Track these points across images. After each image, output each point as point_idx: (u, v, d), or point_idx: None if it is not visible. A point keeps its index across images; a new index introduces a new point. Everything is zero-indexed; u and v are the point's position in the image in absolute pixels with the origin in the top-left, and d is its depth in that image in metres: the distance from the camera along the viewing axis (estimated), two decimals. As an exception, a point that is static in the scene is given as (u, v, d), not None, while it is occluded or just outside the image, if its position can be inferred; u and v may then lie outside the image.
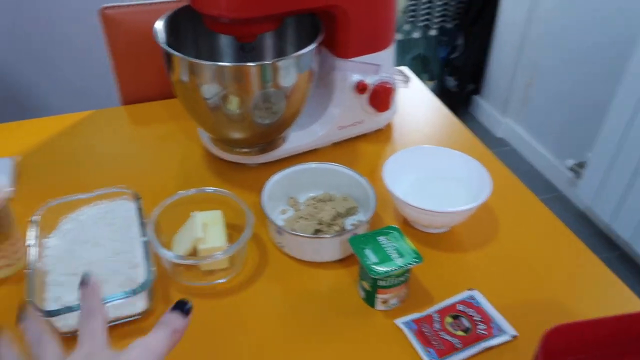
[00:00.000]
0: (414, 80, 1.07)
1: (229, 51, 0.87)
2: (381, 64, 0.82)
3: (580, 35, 1.83)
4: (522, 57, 2.15)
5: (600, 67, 1.76)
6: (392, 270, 0.58)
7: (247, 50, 0.78)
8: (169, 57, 0.71)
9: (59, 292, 0.60)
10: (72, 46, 1.76)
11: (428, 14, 2.40)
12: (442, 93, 2.56)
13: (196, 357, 0.57)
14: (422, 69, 2.55)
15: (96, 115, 0.96)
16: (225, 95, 0.71)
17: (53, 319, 0.55)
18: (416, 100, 1.02)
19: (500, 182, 0.79)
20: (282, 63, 0.70)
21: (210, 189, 0.70)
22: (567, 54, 1.90)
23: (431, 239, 0.71)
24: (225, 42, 0.86)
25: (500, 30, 2.25)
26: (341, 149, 0.87)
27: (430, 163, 0.75)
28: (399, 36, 2.47)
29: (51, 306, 0.58)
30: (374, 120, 0.88)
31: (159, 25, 0.74)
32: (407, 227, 0.73)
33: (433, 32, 2.44)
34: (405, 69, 1.07)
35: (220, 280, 0.65)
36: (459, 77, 2.43)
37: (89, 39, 1.73)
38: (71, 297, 0.59)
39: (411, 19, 2.44)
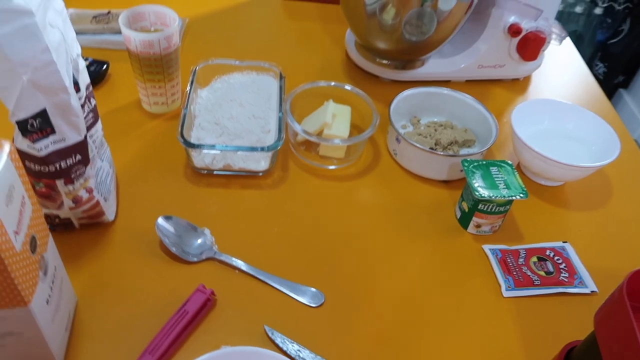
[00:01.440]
0: (569, 41, 1.03)
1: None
2: (542, 11, 0.81)
3: None
4: (691, 59, 1.95)
5: None
6: (495, 196, 0.61)
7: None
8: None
9: (202, 134, 0.69)
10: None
11: (599, -11, 2.23)
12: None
13: (298, 224, 0.65)
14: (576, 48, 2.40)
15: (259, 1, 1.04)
16: (385, 4, 0.74)
17: (192, 152, 0.65)
18: (564, 62, 1.00)
19: (626, 157, 0.78)
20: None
21: (348, 86, 0.76)
22: None
23: (540, 189, 0.73)
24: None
25: (675, 24, 2.04)
26: (473, 87, 0.89)
27: (560, 118, 0.75)
28: (559, 6, 2.32)
29: (193, 142, 0.68)
30: (516, 68, 0.88)
31: None
32: (519, 172, 0.75)
33: (598, 11, 2.27)
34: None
35: (332, 167, 0.72)
36: (611, 65, 2.26)
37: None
38: (210, 140, 0.68)
39: (579, -8, 2.27)
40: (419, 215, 0.68)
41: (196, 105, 0.73)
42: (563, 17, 2.33)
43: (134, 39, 0.68)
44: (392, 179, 0.72)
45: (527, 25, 0.81)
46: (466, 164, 0.65)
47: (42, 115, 0.50)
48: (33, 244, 0.43)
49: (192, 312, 0.53)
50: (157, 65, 0.70)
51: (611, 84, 2.33)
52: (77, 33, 0.63)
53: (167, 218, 0.60)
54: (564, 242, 0.65)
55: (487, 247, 0.64)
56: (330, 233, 0.64)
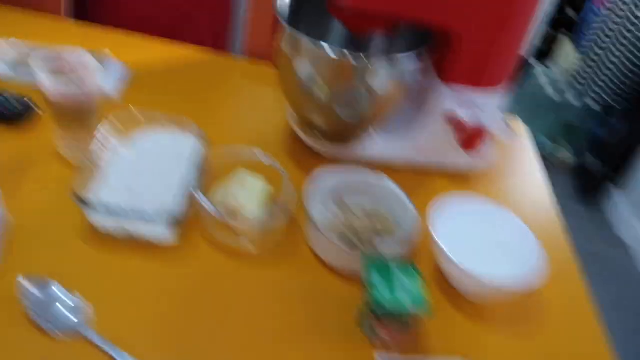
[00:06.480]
0: (524, 138, 1.00)
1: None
2: (484, 103, 0.78)
3: None
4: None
5: None
6: (393, 307, 0.55)
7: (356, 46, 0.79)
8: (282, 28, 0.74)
9: (109, 196, 0.65)
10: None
11: (596, 81, 2.23)
12: (579, 170, 2.39)
13: (205, 308, 0.60)
14: (566, 138, 2.41)
15: (212, 59, 1.02)
16: (316, 80, 0.72)
17: (92, 213, 0.61)
18: (519, 161, 0.95)
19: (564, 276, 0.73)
20: (374, 62, 0.70)
21: (269, 160, 0.72)
22: None
23: (459, 296, 0.67)
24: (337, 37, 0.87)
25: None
26: (414, 175, 0.84)
27: (484, 221, 0.70)
28: (556, 97, 2.33)
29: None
30: (458, 161, 0.85)
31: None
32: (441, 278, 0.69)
33: (595, 105, 2.27)
34: (518, 122, 1.01)
35: (246, 244, 0.67)
36: (603, 159, 2.25)
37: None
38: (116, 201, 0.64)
39: (581, 84, 2.28)
40: (322, 308, 0.62)
41: (111, 160, 0.70)
42: (554, 106, 2.33)
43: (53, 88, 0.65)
44: (303, 267, 0.67)
45: (465, 115, 0.78)
46: (368, 261, 0.60)
47: None
48: None
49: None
50: (77, 113, 0.68)
51: (602, 177, 2.30)
52: None
53: (37, 279, 0.56)
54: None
55: (380, 356, 0.58)
56: (242, 320, 0.59)
